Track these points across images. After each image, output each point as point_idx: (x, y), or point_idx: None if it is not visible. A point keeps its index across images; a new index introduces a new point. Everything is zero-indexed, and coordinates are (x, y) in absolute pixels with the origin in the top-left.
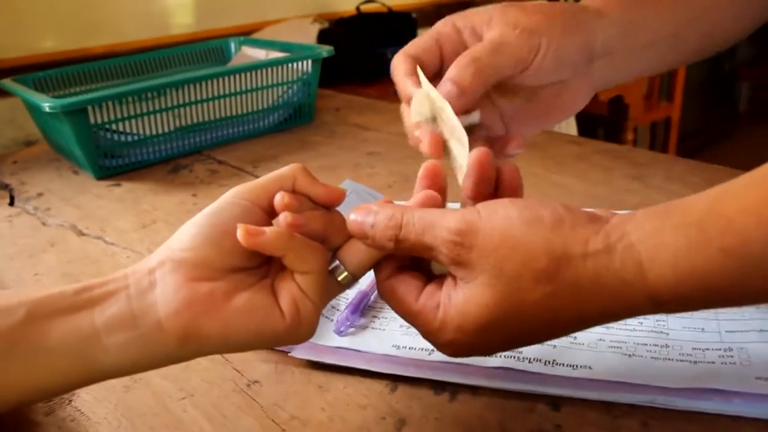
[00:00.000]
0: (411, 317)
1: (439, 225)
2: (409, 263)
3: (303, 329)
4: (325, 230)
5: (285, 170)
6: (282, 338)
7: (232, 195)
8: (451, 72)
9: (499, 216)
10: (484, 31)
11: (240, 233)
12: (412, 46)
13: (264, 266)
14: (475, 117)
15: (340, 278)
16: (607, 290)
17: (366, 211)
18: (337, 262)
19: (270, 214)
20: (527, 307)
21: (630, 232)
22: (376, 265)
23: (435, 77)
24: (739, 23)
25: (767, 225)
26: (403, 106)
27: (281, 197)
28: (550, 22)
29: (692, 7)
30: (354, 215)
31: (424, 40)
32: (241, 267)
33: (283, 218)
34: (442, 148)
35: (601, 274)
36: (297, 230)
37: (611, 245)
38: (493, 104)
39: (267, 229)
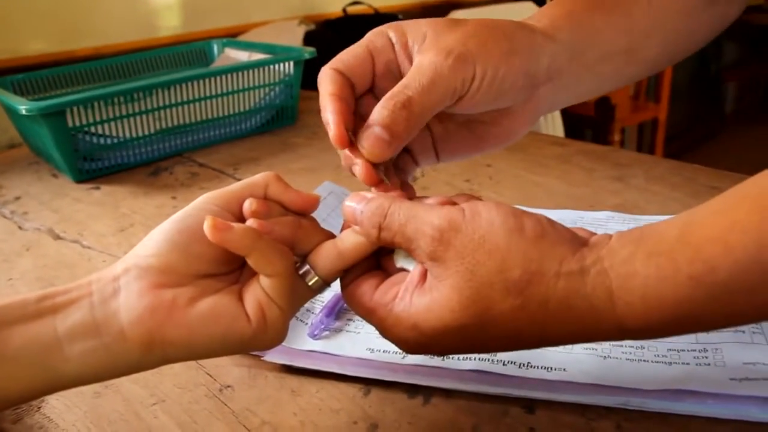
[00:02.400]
0: (367, 315)
1: (422, 219)
2: (374, 267)
3: (270, 335)
4: (293, 236)
5: (257, 177)
6: (249, 344)
7: (203, 201)
8: (381, 115)
9: (482, 219)
10: (416, 51)
11: (207, 225)
12: (343, 60)
13: (233, 273)
14: None
15: (310, 283)
16: (575, 312)
17: (360, 198)
18: (308, 266)
19: (240, 220)
20: (492, 317)
21: (604, 257)
22: (344, 272)
23: (366, 93)
24: (693, 35)
25: (732, 252)
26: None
27: (249, 204)
28: (488, 48)
29: (645, 20)
30: (348, 201)
31: (355, 52)
32: (208, 273)
33: (249, 225)
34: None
35: (571, 296)
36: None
37: (585, 268)
38: (424, 129)
39: (235, 225)
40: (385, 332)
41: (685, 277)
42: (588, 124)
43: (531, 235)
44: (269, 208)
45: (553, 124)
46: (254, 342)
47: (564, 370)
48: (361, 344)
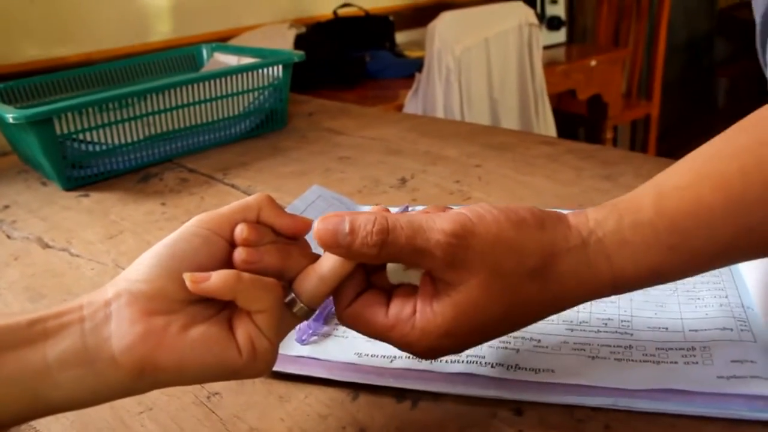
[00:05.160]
0: (384, 332)
1: (430, 228)
2: (366, 285)
3: (259, 366)
4: (281, 264)
5: (250, 200)
6: (238, 374)
7: (194, 224)
8: None
9: (488, 219)
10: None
11: (186, 281)
12: None
13: None
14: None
15: (295, 310)
16: (582, 279)
17: (338, 219)
18: (293, 295)
19: (232, 244)
20: (519, 303)
21: (595, 228)
22: (335, 295)
23: None
24: None
25: (702, 223)
26: None
27: (240, 231)
28: None
29: None
30: (323, 224)
31: None
32: (199, 299)
33: (237, 255)
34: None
35: (579, 266)
36: (251, 266)
37: (585, 240)
38: None
39: (213, 274)
40: (409, 346)
41: (666, 246)
42: (580, 122)
43: (533, 224)
44: (260, 234)
45: (545, 123)
46: (243, 372)
47: (552, 371)
48: (349, 349)
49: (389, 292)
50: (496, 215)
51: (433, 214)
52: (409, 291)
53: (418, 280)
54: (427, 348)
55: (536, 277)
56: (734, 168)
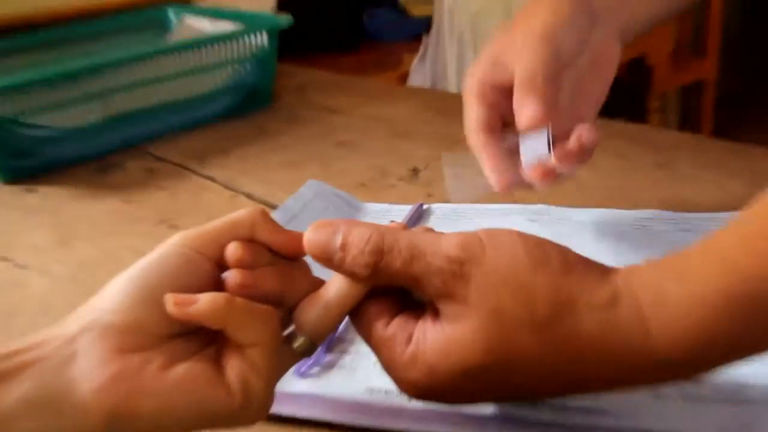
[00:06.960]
0: (377, 344)
1: (432, 252)
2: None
3: (253, 411)
4: (282, 289)
5: (241, 215)
6: (228, 421)
7: (176, 243)
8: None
9: (504, 251)
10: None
11: (168, 304)
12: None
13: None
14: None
15: (295, 345)
16: (609, 349)
17: (331, 228)
18: (293, 326)
19: (221, 266)
20: (518, 358)
21: (633, 282)
22: None
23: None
24: None
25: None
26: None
27: (233, 250)
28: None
29: None
30: (314, 234)
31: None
32: (181, 332)
33: (231, 277)
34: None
35: (603, 330)
36: (247, 291)
37: (615, 295)
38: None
39: (201, 296)
40: (393, 371)
41: (723, 297)
42: (620, 90)
43: (558, 268)
44: (255, 254)
45: None
46: (234, 418)
47: (606, 411)
48: (360, 383)
49: (406, 304)
50: (516, 249)
51: (442, 235)
52: (420, 312)
53: None
54: (408, 381)
55: (543, 330)
56: None
